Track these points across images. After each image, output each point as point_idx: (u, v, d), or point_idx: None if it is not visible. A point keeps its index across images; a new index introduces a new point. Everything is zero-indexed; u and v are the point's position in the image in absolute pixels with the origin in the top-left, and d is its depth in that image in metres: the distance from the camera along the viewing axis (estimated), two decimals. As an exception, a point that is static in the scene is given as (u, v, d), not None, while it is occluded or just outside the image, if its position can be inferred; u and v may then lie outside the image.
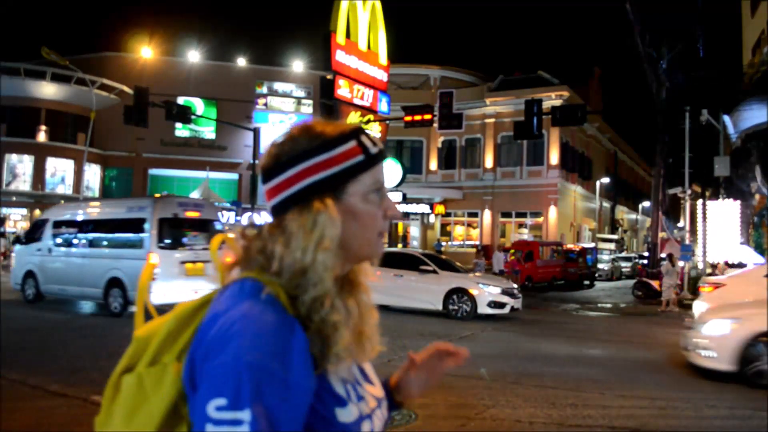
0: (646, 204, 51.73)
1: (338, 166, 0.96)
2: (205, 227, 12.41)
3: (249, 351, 0.79)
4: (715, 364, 7.43)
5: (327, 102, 21.60)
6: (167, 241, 11.63)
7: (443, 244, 36.87)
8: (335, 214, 0.93)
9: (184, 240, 12.15)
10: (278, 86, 42.02)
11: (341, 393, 0.93)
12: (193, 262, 11.56)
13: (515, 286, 14.30)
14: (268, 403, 0.78)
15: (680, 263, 18.47)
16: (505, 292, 13.10)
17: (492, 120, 37.22)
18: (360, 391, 0.98)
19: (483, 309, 12.81)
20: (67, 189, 39.84)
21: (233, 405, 0.76)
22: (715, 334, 7.51)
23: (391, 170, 27.69)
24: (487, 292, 12.95)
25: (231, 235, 1.00)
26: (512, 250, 23.84)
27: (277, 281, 0.91)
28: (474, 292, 12.94)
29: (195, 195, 37.92)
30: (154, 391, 0.88)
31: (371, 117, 23.39)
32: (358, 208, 0.97)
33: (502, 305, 12.92)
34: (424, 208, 37.16)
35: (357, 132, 1.00)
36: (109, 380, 0.96)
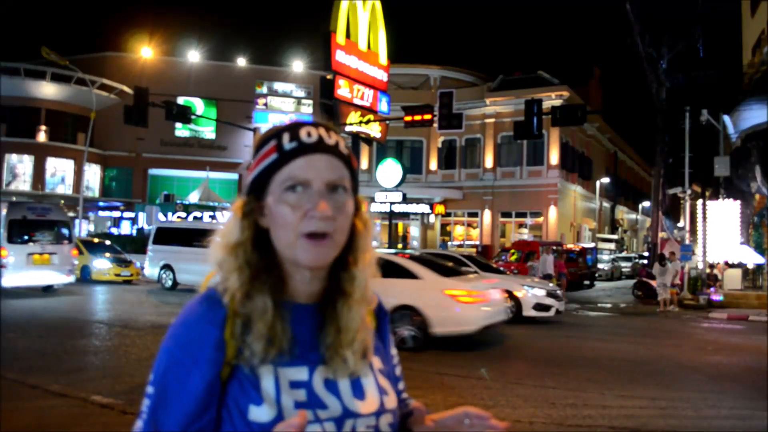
0: (646, 204, 51.74)
1: (259, 166, 0.99)
2: (51, 227, 15.30)
3: (169, 338, 0.94)
4: None
5: (327, 102, 21.61)
6: (16, 238, 14.31)
7: (447, 244, 36.82)
8: (236, 216, 0.98)
9: (29, 236, 14.73)
10: (278, 86, 42.03)
11: (264, 393, 0.92)
12: (40, 254, 14.54)
13: (558, 288, 13.85)
14: (166, 383, 0.91)
15: (678, 263, 18.44)
16: (549, 295, 12.61)
17: (492, 120, 37.21)
18: (321, 398, 0.96)
19: (528, 312, 12.24)
20: (67, 189, 39.83)
21: (151, 380, 0.94)
22: None
23: (391, 170, 27.78)
24: (531, 295, 12.41)
25: None
26: (512, 250, 23.82)
27: None
28: (518, 294, 12.39)
29: (195, 195, 37.96)
30: None
31: (371, 117, 23.39)
32: (272, 208, 0.96)
33: (547, 308, 12.41)
34: (424, 208, 37.15)
35: (281, 130, 0.99)
36: None
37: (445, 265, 10.78)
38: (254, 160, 1.01)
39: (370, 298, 1.07)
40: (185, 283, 17.22)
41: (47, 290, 15.09)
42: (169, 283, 17.67)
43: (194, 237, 17.34)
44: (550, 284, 14.27)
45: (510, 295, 12.12)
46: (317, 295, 1.02)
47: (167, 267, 17.77)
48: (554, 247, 26.53)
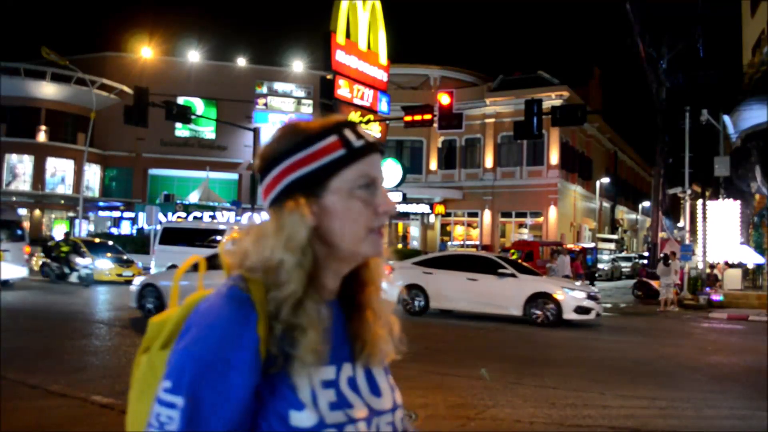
0: (646, 204, 51.74)
1: (317, 162, 0.94)
2: (5, 226, 16.48)
3: (197, 342, 0.85)
4: None
5: (327, 102, 21.61)
6: None
7: (447, 244, 36.82)
8: (305, 214, 0.92)
9: None
10: (278, 86, 42.05)
11: (303, 396, 0.89)
12: None
13: (596, 290, 13.57)
14: (202, 393, 0.83)
15: (678, 262, 18.45)
16: (590, 297, 12.33)
17: (492, 120, 37.22)
18: (350, 398, 0.94)
19: (569, 315, 11.96)
20: (67, 189, 39.85)
21: (173, 389, 0.84)
22: None
23: (391, 170, 27.75)
24: (572, 297, 12.09)
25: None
26: (512, 250, 23.83)
27: (260, 279, 0.92)
28: (559, 296, 12.07)
29: (195, 195, 37.99)
30: (162, 372, 0.91)
31: (371, 117, 23.39)
32: (342, 204, 0.94)
33: (587, 311, 12.10)
34: (424, 208, 37.16)
35: (340, 125, 0.97)
36: (135, 359, 1.03)
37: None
38: (302, 154, 0.94)
39: (388, 294, 1.08)
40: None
41: (5, 284, 15.62)
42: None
43: (202, 237, 17.26)
44: (590, 286, 13.95)
45: (549, 298, 12.10)
46: (337, 292, 1.01)
47: (174, 268, 17.61)
48: (575, 248, 26.52)
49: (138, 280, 12.11)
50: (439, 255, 14.66)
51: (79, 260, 18.91)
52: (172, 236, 18.16)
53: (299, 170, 0.94)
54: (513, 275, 12.57)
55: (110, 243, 21.98)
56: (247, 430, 0.88)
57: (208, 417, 0.83)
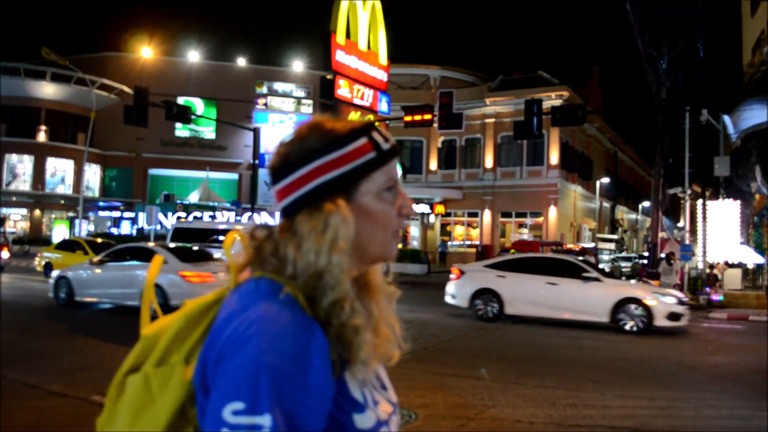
0: (646, 204, 51.76)
1: (349, 164, 0.92)
2: None
3: (267, 353, 0.77)
4: None
5: (327, 102, 21.60)
6: None
7: (447, 244, 36.81)
8: (348, 215, 0.90)
9: None
10: (278, 86, 42.06)
11: (359, 398, 0.89)
12: None
13: (684, 296, 13.00)
14: (287, 407, 0.75)
15: (678, 263, 18.44)
16: (681, 303, 11.70)
17: (492, 120, 37.23)
18: (377, 396, 0.95)
19: (660, 322, 11.33)
20: (67, 189, 39.85)
21: (251, 409, 0.74)
22: None
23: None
24: (664, 303, 11.48)
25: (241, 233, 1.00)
26: (512, 250, 23.82)
27: (293, 283, 0.88)
28: (650, 302, 11.43)
29: (195, 195, 38.02)
30: (160, 393, 0.86)
31: (371, 117, 23.39)
32: (372, 207, 0.94)
33: (678, 317, 11.50)
34: (424, 208, 37.16)
35: (368, 128, 0.97)
36: (114, 380, 0.92)
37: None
38: (335, 155, 0.92)
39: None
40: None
41: None
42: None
43: (213, 237, 16.98)
44: (678, 292, 13.31)
45: (639, 303, 11.48)
46: None
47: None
48: (575, 248, 26.42)
49: (54, 273, 12.76)
50: (512, 257, 13.96)
51: None
52: (183, 237, 17.63)
53: (332, 172, 0.92)
54: (597, 279, 11.96)
55: (114, 243, 21.92)
56: None
57: (302, 430, 0.77)
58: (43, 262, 20.20)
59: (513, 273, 12.64)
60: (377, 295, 1.01)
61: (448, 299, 13.29)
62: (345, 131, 0.94)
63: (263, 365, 0.76)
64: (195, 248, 13.15)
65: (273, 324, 0.80)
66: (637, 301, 11.52)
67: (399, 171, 1.03)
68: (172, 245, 14.04)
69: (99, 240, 22.09)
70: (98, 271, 12.68)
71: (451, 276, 13.46)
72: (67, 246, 20.21)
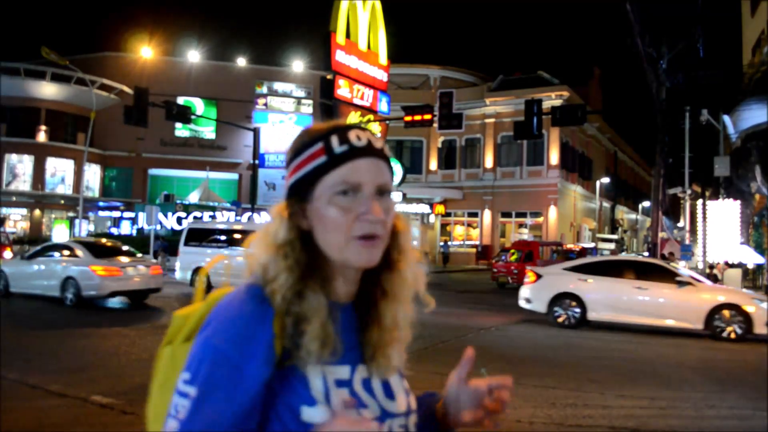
0: (646, 204, 51.78)
1: (304, 168, 0.98)
2: None
3: (215, 335, 0.90)
4: None
5: (327, 102, 21.62)
6: None
7: (448, 244, 36.74)
8: (279, 217, 0.98)
9: None
10: (278, 86, 42.05)
11: (315, 393, 0.92)
12: None
13: None
14: (216, 384, 0.87)
15: (680, 263, 18.44)
16: None
17: (492, 120, 37.24)
18: (361, 397, 0.97)
19: (761, 329, 10.66)
20: (67, 189, 39.84)
21: (191, 380, 0.88)
22: None
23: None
24: (763, 309, 10.78)
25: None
26: (512, 250, 23.83)
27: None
28: (749, 308, 10.78)
29: (195, 195, 37.99)
30: (182, 364, 0.95)
31: (371, 117, 23.40)
32: (322, 211, 0.96)
33: None
34: (424, 208, 37.18)
35: (329, 132, 0.98)
36: (157, 351, 1.06)
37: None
38: (296, 161, 0.99)
39: (410, 300, 1.06)
40: (219, 285, 16.35)
41: None
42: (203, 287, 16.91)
43: (230, 237, 16.55)
44: None
45: (737, 309, 10.83)
46: (353, 295, 1.03)
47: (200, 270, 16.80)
48: (575, 248, 26.35)
49: None
50: (593, 260, 13.42)
51: None
52: (198, 237, 17.13)
53: (293, 176, 1.00)
54: (691, 284, 11.35)
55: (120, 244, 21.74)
56: (256, 423, 0.91)
57: (217, 405, 0.87)
58: None
59: (596, 276, 12.00)
60: (393, 304, 1.03)
61: (522, 304, 12.72)
62: (309, 136, 1.00)
63: (209, 345, 0.89)
64: (108, 245, 14.58)
65: (229, 311, 0.93)
66: (736, 308, 10.84)
67: (386, 172, 0.99)
68: (87, 242, 15.27)
69: (104, 240, 21.85)
70: (28, 265, 13.80)
71: (526, 279, 12.88)
72: None
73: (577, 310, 11.85)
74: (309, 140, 0.99)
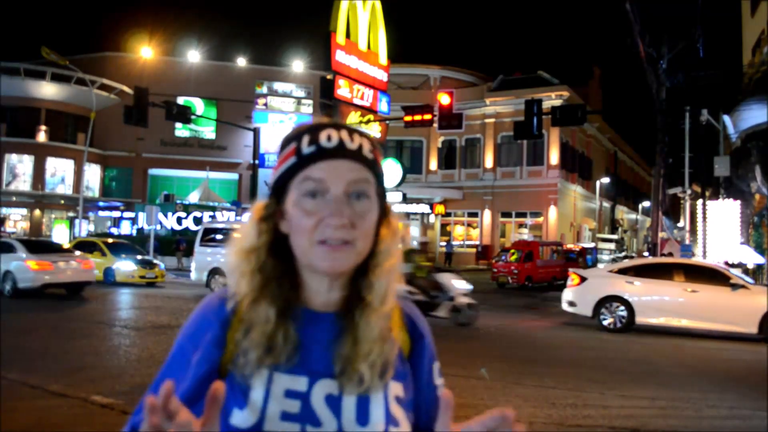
0: (646, 204, 51.77)
1: (279, 169, 0.96)
2: None
3: (185, 322, 1.00)
4: None
5: (327, 102, 21.63)
6: None
7: (453, 245, 36.61)
8: (254, 220, 0.97)
9: None
10: (278, 86, 42.05)
11: (252, 397, 0.90)
12: None
13: None
14: (170, 366, 0.96)
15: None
16: None
17: (492, 120, 37.25)
18: (317, 414, 0.90)
19: None
20: (67, 189, 39.84)
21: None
22: None
23: (391, 170, 27.79)
24: None
25: None
26: (512, 250, 23.83)
27: None
28: None
29: (195, 195, 37.98)
30: None
31: (371, 117, 23.41)
32: (289, 213, 0.93)
33: None
34: (424, 208, 37.17)
35: (302, 132, 0.95)
36: None
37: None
38: (277, 161, 0.98)
39: (390, 308, 0.97)
40: None
41: None
42: (219, 287, 16.18)
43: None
44: None
45: None
46: (337, 304, 0.97)
47: (217, 271, 16.08)
48: (575, 248, 26.45)
49: None
50: (640, 262, 13.05)
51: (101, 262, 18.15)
52: (215, 237, 16.78)
53: (273, 176, 0.98)
54: (745, 287, 11.08)
55: (130, 243, 21.65)
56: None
57: (171, 376, 0.92)
58: None
59: (644, 279, 11.74)
60: (369, 314, 0.94)
61: (565, 307, 12.50)
62: (288, 136, 0.98)
63: (181, 329, 0.99)
64: (44, 241, 15.83)
65: (200, 305, 1.00)
66: None
67: (360, 174, 0.93)
68: (25, 239, 16.80)
69: (113, 240, 21.55)
70: None
71: (569, 282, 12.60)
72: (83, 247, 19.26)
73: (624, 313, 11.57)
74: (286, 140, 0.97)
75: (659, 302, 11.49)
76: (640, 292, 11.59)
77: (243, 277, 0.94)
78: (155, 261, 19.68)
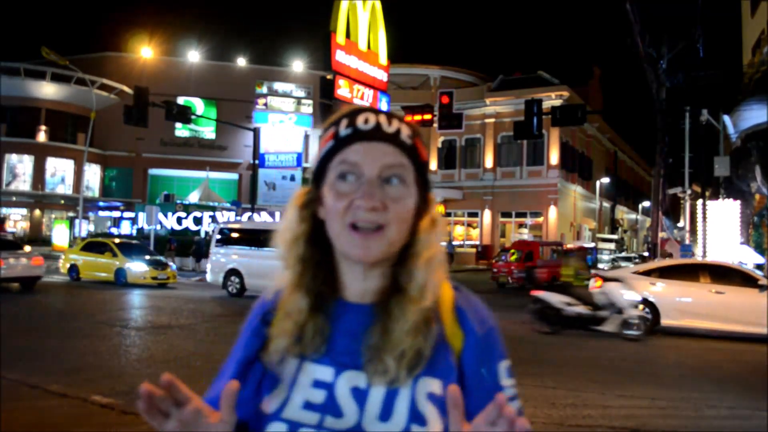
0: (646, 204, 51.76)
1: (319, 154, 0.95)
2: None
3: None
4: None
5: (327, 102, 21.61)
6: None
7: (453, 245, 36.59)
8: (294, 207, 0.97)
9: None
10: (278, 86, 42.05)
11: (282, 384, 0.92)
12: None
13: None
14: (231, 354, 1.01)
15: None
16: None
17: (492, 120, 37.24)
18: (341, 405, 0.89)
19: None
20: (67, 189, 39.86)
21: None
22: None
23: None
24: None
25: None
26: (512, 250, 23.82)
27: None
28: None
29: (195, 195, 37.97)
30: None
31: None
32: (324, 197, 0.93)
33: None
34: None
35: (342, 116, 0.95)
36: None
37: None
38: (319, 147, 0.97)
39: (429, 301, 0.92)
40: (255, 288, 15.28)
41: None
42: (236, 289, 15.87)
43: (266, 237, 15.54)
44: None
45: None
46: (374, 295, 0.94)
47: (234, 271, 15.89)
48: (574, 248, 26.34)
49: None
50: (664, 264, 12.83)
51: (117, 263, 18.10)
52: (231, 237, 16.46)
53: (313, 163, 0.98)
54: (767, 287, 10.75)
55: (140, 244, 21.57)
56: (246, 398, 0.93)
57: (229, 361, 1.01)
58: (68, 265, 19.22)
59: (669, 281, 11.51)
60: (408, 306, 0.91)
61: None
62: (327, 123, 0.97)
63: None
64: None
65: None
66: None
67: (395, 157, 0.91)
68: None
69: (125, 240, 21.35)
70: None
71: (592, 284, 12.26)
72: (94, 247, 19.31)
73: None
74: (328, 125, 0.97)
75: (685, 304, 11.26)
76: (665, 294, 11.34)
77: (287, 267, 0.96)
78: (167, 262, 19.38)
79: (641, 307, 11.16)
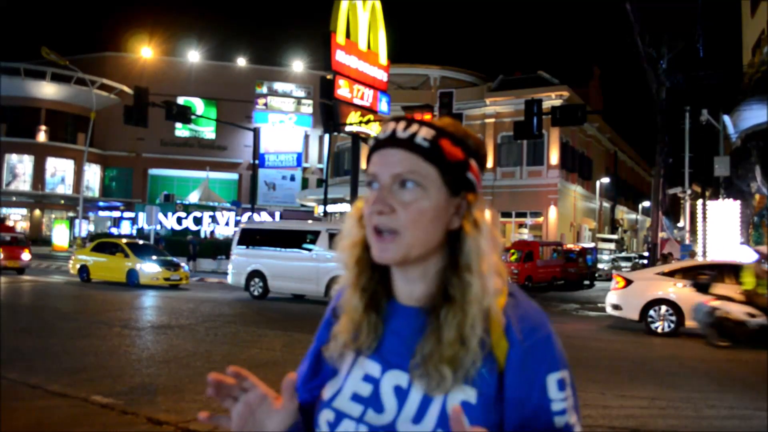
0: (646, 204, 51.76)
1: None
2: None
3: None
4: None
5: (327, 102, 21.62)
6: None
7: None
8: (353, 216, 1.02)
9: None
10: (278, 86, 42.06)
11: (338, 375, 1.01)
12: None
13: None
14: (315, 336, 1.10)
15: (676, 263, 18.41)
16: None
17: (492, 120, 37.23)
18: (384, 402, 0.94)
19: None
20: (67, 189, 39.87)
21: None
22: None
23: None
24: None
25: None
26: (512, 250, 23.82)
27: None
28: None
29: (195, 195, 37.99)
30: None
31: (371, 117, 23.39)
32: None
33: None
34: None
35: (390, 122, 0.98)
36: None
37: None
38: None
39: (479, 310, 0.91)
40: (279, 290, 15.25)
41: None
42: (259, 291, 15.60)
43: (290, 239, 15.16)
44: None
45: None
46: (422, 299, 0.96)
47: (256, 273, 15.58)
48: (574, 248, 26.44)
49: None
50: (689, 264, 12.70)
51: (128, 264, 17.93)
52: (254, 238, 16.15)
53: None
54: None
55: (151, 244, 21.52)
56: (318, 386, 1.04)
57: (310, 349, 1.10)
58: (78, 266, 18.94)
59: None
60: (456, 314, 0.91)
61: (609, 311, 12.20)
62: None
63: None
64: None
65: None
66: None
67: (406, 161, 0.92)
68: None
69: (140, 241, 21.20)
70: None
71: (614, 284, 12.23)
72: (104, 248, 19.07)
73: (673, 317, 11.21)
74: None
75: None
76: (691, 295, 10.99)
77: (346, 269, 1.03)
78: (180, 263, 19.12)
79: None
